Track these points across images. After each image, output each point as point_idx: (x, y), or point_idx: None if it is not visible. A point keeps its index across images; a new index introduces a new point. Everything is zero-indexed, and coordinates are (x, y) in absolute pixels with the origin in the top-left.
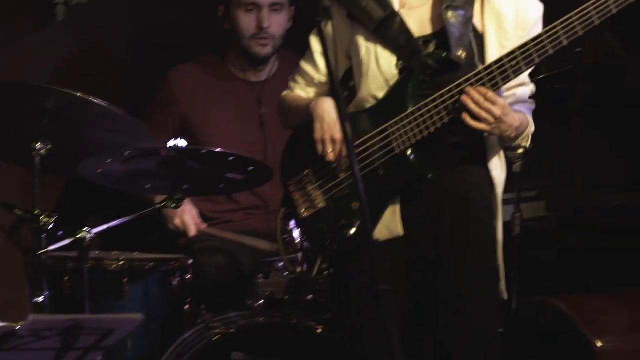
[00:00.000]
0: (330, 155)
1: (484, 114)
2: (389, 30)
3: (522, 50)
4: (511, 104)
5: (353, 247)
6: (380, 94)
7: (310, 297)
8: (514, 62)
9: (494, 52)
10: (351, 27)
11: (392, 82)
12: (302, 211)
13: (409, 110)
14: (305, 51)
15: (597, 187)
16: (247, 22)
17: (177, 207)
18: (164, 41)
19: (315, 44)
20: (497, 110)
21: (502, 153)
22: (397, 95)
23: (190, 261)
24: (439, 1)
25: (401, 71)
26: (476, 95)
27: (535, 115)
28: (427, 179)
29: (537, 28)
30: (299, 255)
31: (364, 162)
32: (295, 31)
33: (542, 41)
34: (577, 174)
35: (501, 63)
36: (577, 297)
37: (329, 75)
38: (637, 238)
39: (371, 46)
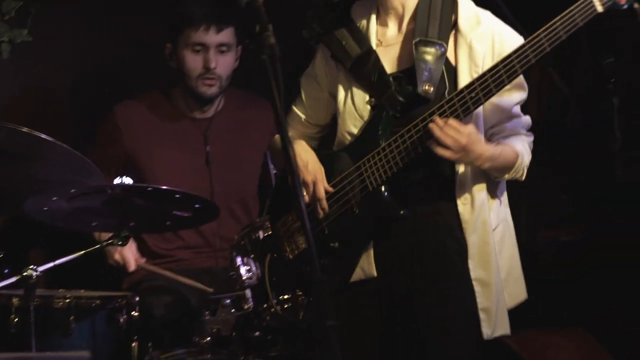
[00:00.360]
0: (305, 199)
1: (449, 141)
2: (364, 68)
3: (480, 80)
4: (503, 137)
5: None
6: (356, 131)
7: (257, 333)
8: (473, 94)
9: (464, 81)
10: (335, 68)
11: (365, 119)
12: (288, 253)
13: (381, 147)
14: (251, 88)
15: (543, 224)
16: (194, 62)
17: (123, 245)
18: (109, 79)
19: (304, 85)
20: (462, 138)
21: (475, 189)
22: (370, 132)
23: (137, 298)
24: (413, 37)
25: (374, 108)
26: (441, 123)
27: None
28: (400, 215)
29: None
30: (247, 292)
31: (341, 200)
32: (242, 68)
33: (510, 63)
34: (522, 211)
35: (462, 95)
36: (524, 333)
37: (275, 114)
38: (583, 272)
39: (347, 84)
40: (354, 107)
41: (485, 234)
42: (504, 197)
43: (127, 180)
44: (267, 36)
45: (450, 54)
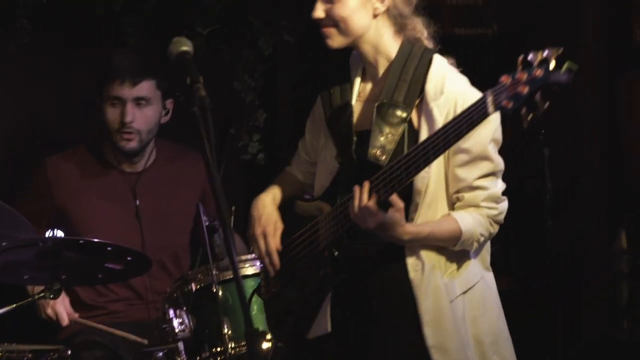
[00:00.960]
0: (254, 252)
1: (361, 223)
2: (339, 121)
3: (425, 145)
4: (460, 207)
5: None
6: (325, 185)
7: None
8: (398, 172)
9: None
10: (322, 116)
11: (333, 175)
12: (264, 293)
13: (334, 207)
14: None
15: None
16: (112, 115)
17: (55, 298)
18: (38, 132)
19: (308, 123)
20: (370, 224)
21: (424, 254)
22: (332, 189)
23: (69, 352)
24: (380, 97)
25: (340, 164)
26: (358, 202)
27: None
28: (343, 277)
29: (479, 134)
30: (180, 344)
31: (298, 255)
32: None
33: (435, 139)
34: None
35: (402, 162)
36: None
37: (206, 165)
38: (513, 323)
39: (325, 135)
40: (326, 160)
41: (438, 300)
42: (478, 259)
43: (59, 233)
44: (197, 88)
45: (414, 119)
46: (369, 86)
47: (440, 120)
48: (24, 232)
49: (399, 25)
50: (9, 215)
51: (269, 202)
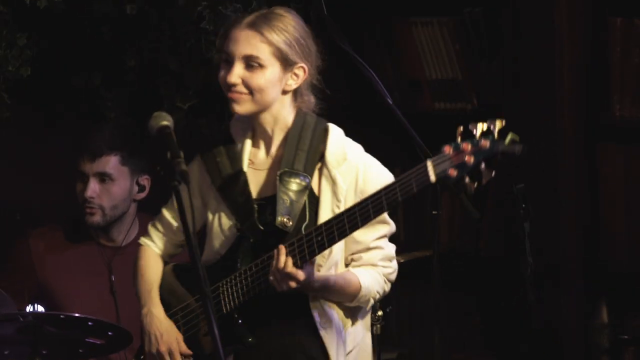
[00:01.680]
0: None
1: (282, 287)
2: (232, 189)
3: (337, 219)
4: (357, 265)
5: None
6: (220, 253)
7: None
8: (319, 238)
9: (324, 217)
10: (208, 182)
11: (231, 241)
12: None
13: (237, 272)
14: None
15: (456, 348)
16: (78, 190)
17: None
18: (19, 206)
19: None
20: (292, 284)
21: (328, 308)
22: (231, 256)
23: None
24: (279, 166)
25: (239, 231)
26: (277, 268)
27: (397, 279)
28: (249, 342)
29: None
30: None
31: (196, 320)
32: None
33: (367, 204)
34: (435, 335)
35: (309, 237)
36: None
37: (187, 239)
38: None
39: (216, 203)
40: (220, 228)
41: (341, 354)
42: (364, 320)
43: (39, 308)
44: (178, 162)
45: (314, 185)
46: (261, 153)
47: (343, 187)
48: (4, 307)
49: (297, 98)
50: None
51: (162, 315)
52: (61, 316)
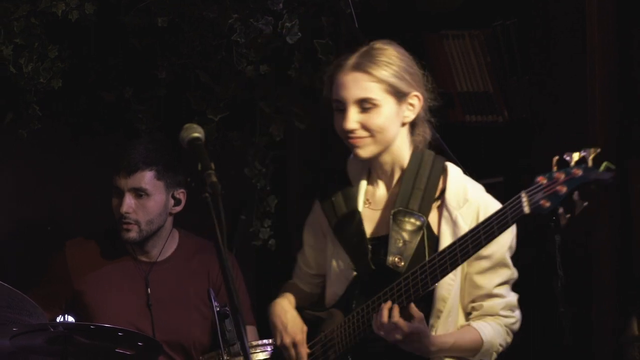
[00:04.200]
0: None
1: (388, 337)
2: (347, 229)
3: (448, 251)
4: (478, 316)
5: None
6: (339, 293)
7: None
8: (423, 275)
9: None
10: (326, 223)
11: (348, 282)
12: None
13: (351, 314)
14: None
15: None
16: (114, 206)
17: None
18: (51, 218)
19: (306, 236)
20: (397, 335)
21: None
22: (347, 297)
23: None
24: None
25: (354, 271)
26: (381, 317)
27: None
28: None
29: (500, 240)
30: None
31: (313, 358)
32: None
33: (466, 240)
34: None
35: (415, 275)
36: None
37: (217, 252)
38: None
39: (332, 244)
40: (338, 268)
41: None
42: None
43: (69, 318)
44: (209, 174)
45: (434, 225)
46: (379, 192)
47: (465, 228)
48: (34, 318)
49: (415, 130)
50: (20, 300)
51: (288, 306)
52: (91, 326)
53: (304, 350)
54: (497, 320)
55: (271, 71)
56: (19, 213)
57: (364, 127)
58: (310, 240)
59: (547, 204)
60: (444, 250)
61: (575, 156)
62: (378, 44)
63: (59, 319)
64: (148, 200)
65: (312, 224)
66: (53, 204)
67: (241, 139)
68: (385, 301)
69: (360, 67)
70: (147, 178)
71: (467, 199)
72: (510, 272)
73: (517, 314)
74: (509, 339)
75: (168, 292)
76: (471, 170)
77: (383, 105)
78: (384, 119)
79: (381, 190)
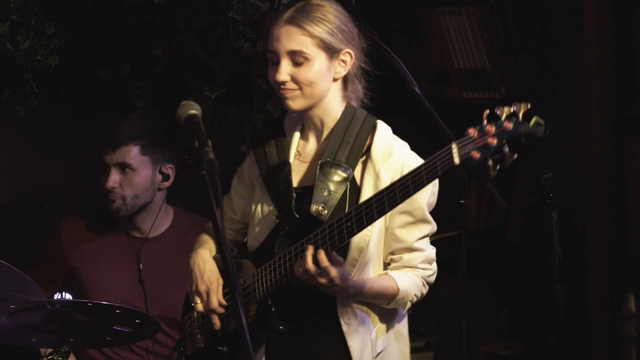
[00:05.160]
0: (197, 307)
1: (311, 280)
2: (276, 178)
3: (375, 200)
4: (396, 267)
5: None
6: (258, 241)
7: None
8: (348, 223)
9: None
10: (257, 172)
11: (270, 229)
12: (187, 348)
13: (272, 260)
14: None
15: (483, 338)
16: (103, 180)
17: None
18: (47, 195)
19: (235, 183)
20: (320, 279)
21: (358, 310)
22: (269, 243)
23: None
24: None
25: (277, 219)
26: (306, 260)
27: None
28: (280, 330)
29: (420, 195)
30: None
31: (231, 307)
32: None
33: (394, 188)
34: (463, 326)
35: (340, 223)
36: None
37: (215, 229)
38: None
39: (260, 192)
40: (261, 215)
41: (368, 354)
42: (401, 324)
43: (67, 296)
44: (206, 151)
45: (357, 177)
46: (309, 145)
47: (387, 181)
48: (32, 295)
49: (347, 87)
50: (17, 277)
51: (208, 257)
52: (89, 304)
53: (216, 298)
54: (415, 272)
55: None
56: (16, 190)
57: (295, 80)
58: (239, 188)
59: (478, 155)
60: (371, 198)
61: (506, 110)
62: (315, 0)
63: (57, 296)
64: (133, 175)
65: (242, 173)
66: (50, 182)
67: (238, 116)
68: (312, 244)
69: (293, 21)
70: (132, 153)
71: (391, 154)
72: (431, 227)
73: (434, 266)
74: (425, 291)
75: (160, 267)
76: None
77: (314, 59)
78: (314, 73)
79: (312, 143)
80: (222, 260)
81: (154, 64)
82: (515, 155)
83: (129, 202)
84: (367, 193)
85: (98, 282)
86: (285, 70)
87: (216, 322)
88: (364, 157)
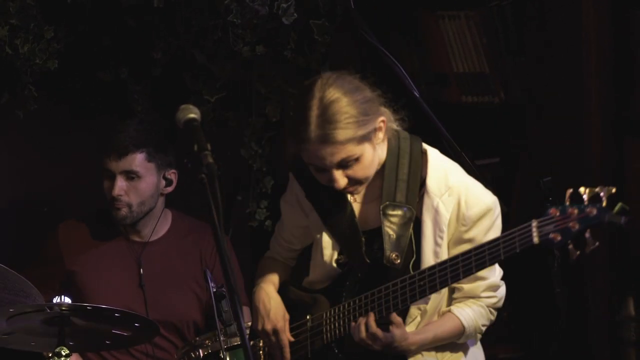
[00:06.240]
0: (265, 346)
1: (366, 345)
2: (339, 220)
3: (451, 262)
4: (460, 299)
5: None
6: (321, 281)
7: None
8: (422, 282)
9: (428, 246)
10: (310, 207)
11: (332, 273)
12: None
13: (342, 304)
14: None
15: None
16: (106, 188)
17: None
18: (46, 198)
19: (287, 212)
20: (376, 346)
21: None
22: (337, 286)
23: None
24: (381, 198)
25: (340, 265)
26: (362, 329)
27: None
28: None
29: (481, 224)
30: None
31: (297, 345)
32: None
33: (470, 257)
34: None
35: (412, 280)
36: None
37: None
38: None
39: (318, 231)
40: (322, 257)
41: None
42: (474, 347)
43: (66, 299)
44: (205, 155)
45: (418, 213)
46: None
47: (446, 215)
48: (31, 299)
49: (387, 134)
50: (16, 281)
51: (273, 293)
52: (88, 307)
53: (285, 337)
54: (479, 302)
55: (267, 52)
56: (15, 194)
57: (351, 179)
58: (296, 218)
59: (559, 238)
60: (446, 261)
61: (590, 192)
62: (326, 95)
63: (56, 300)
64: (140, 182)
65: (294, 202)
66: (49, 185)
67: (237, 120)
68: (377, 300)
69: (328, 140)
70: (138, 160)
71: (449, 186)
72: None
73: (499, 292)
74: (493, 317)
75: (160, 272)
76: (467, 151)
77: (362, 155)
78: (367, 164)
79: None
80: (221, 262)
81: (153, 67)
82: (597, 243)
83: (135, 209)
84: (428, 230)
85: (97, 286)
86: (340, 177)
87: (287, 357)
88: (421, 191)
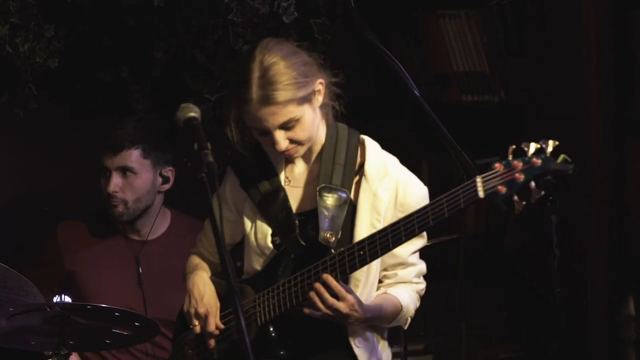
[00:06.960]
0: (196, 329)
1: (329, 312)
2: (272, 205)
3: (392, 228)
4: (393, 283)
5: None
6: (258, 267)
7: None
8: (361, 252)
9: (363, 229)
10: (242, 196)
11: (267, 255)
12: None
13: (276, 285)
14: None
15: (482, 342)
16: (102, 184)
17: None
18: (46, 197)
19: (214, 205)
20: (343, 307)
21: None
22: (272, 269)
23: None
24: (317, 181)
25: (277, 246)
26: (322, 291)
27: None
28: (280, 355)
29: (417, 206)
30: None
31: (229, 331)
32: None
33: (413, 220)
34: (462, 329)
35: (351, 251)
36: None
37: (214, 231)
38: None
39: (253, 217)
40: (256, 242)
41: None
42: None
43: (66, 299)
44: (205, 154)
45: (352, 198)
46: (297, 169)
47: (385, 200)
48: (31, 298)
49: (324, 108)
50: (17, 280)
51: (208, 280)
52: (88, 307)
53: (214, 321)
54: (410, 287)
55: None
56: (15, 193)
57: (293, 140)
58: (226, 213)
59: (504, 190)
60: (386, 228)
61: (533, 146)
62: (266, 58)
63: (56, 299)
64: (135, 178)
65: (225, 197)
66: (49, 184)
67: None
68: (313, 275)
69: (269, 100)
70: (133, 156)
71: (387, 172)
72: (423, 241)
73: (423, 280)
74: (418, 304)
75: (159, 270)
76: (468, 151)
77: (302, 116)
78: (308, 125)
79: (300, 167)
80: (221, 263)
81: (153, 67)
82: (542, 192)
83: (131, 205)
84: (363, 213)
85: (97, 286)
86: (282, 138)
87: (211, 342)
88: (357, 177)
